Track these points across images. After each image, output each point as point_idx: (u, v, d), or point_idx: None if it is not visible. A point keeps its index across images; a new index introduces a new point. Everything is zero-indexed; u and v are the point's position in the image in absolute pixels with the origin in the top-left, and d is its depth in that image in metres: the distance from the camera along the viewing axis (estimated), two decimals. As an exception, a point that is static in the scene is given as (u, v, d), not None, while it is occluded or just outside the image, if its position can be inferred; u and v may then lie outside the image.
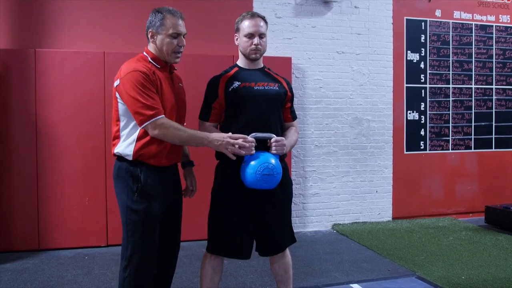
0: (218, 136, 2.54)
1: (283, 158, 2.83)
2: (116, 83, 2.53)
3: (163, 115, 2.47)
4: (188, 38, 5.16)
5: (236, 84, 2.77)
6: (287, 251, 3.00)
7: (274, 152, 2.67)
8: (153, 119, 2.43)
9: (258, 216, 2.79)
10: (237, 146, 2.53)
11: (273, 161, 2.62)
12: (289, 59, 5.56)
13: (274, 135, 2.71)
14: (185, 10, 5.21)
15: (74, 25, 5.08)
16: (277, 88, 2.85)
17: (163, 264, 2.76)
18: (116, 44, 5.06)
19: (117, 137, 2.59)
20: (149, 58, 2.60)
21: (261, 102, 2.76)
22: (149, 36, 2.62)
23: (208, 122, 2.83)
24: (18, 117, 4.73)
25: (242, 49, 2.85)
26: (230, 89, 2.76)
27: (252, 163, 2.60)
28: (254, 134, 2.66)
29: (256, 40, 2.78)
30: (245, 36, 2.80)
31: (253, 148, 2.61)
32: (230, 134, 2.58)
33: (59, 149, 4.83)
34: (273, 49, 5.57)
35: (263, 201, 2.77)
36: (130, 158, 2.53)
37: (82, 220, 4.87)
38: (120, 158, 2.58)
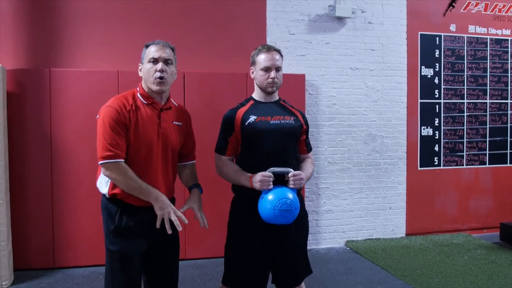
0: (165, 203, 2.43)
1: (299, 191, 2.82)
2: (97, 116, 2.53)
3: (120, 159, 2.43)
4: (201, 57, 5.28)
5: (252, 118, 2.76)
6: (303, 283, 2.99)
7: (292, 186, 2.66)
8: (106, 161, 2.41)
9: (275, 250, 2.77)
10: (173, 219, 2.42)
11: (291, 196, 2.61)
12: (303, 76, 5.55)
13: (292, 170, 2.70)
14: (197, 29, 5.33)
15: (88, 44, 5.11)
16: (292, 122, 2.84)
17: None
18: (130, 63, 5.05)
19: (99, 170, 2.57)
20: (138, 94, 2.57)
21: (277, 136, 2.76)
22: (139, 71, 2.63)
23: (224, 156, 2.83)
24: (33, 136, 4.77)
25: (258, 83, 2.84)
26: (246, 123, 2.75)
27: (270, 198, 2.59)
28: (271, 169, 2.65)
29: (273, 73, 2.78)
30: (262, 69, 2.79)
31: (271, 183, 2.62)
32: (174, 208, 2.45)
33: (74, 167, 4.86)
34: (287, 66, 5.56)
35: (280, 236, 2.75)
36: (107, 196, 2.53)
37: (97, 238, 4.87)
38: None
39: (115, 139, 2.42)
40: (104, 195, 2.57)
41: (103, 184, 2.55)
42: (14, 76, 4.70)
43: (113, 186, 2.49)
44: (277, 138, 2.76)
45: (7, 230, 4.33)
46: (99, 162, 2.44)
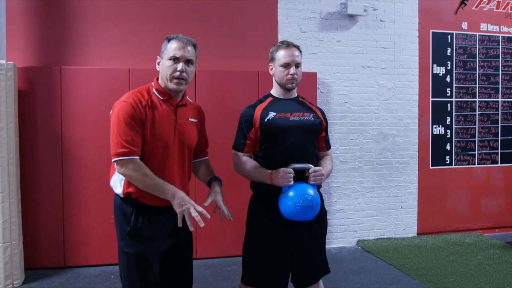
0: (184, 199, 2.30)
1: (319, 187, 2.78)
2: (111, 112, 2.42)
3: (135, 156, 2.31)
4: (212, 54, 5.24)
5: (272, 114, 2.73)
6: (320, 281, 2.94)
7: (312, 182, 2.63)
8: (121, 158, 2.30)
9: (293, 248, 2.74)
10: (194, 215, 2.29)
11: (311, 192, 2.58)
12: (315, 74, 5.51)
13: (312, 166, 2.66)
14: (209, 26, 5.30)
15: (99, 42, 5.08)
16: (312, 118, 2.80)
17: None
18: (141, 61, 5.04)
19: (113, 169, 2.47)
20: (154, 89, 2.45)
21: (297, 132, 2.72)
22: (156, 64, 2.52)
23: (242, 153, 2.79)
24: (43, 134, 4.74)
25: (277, 79, 2.81)
26: (265, 120, 2.71)
27: (291, 194, 2.56)
28: (292, 165, 2.61)
29: (292, 69, 2.74)
30: (281, 65, 2.75)
31: (292, 179, 2.58)
32: (194, 203, 2.31)
33: (85, 166, 4.83)
34: (298, 64, 5.51)
35: (300, 233, 2.72)
36: (121, 195, 2.41)
37: (107, 238, 4.85)
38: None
39: (130, 135, 2.30)
40: (118, 195, 2.45)
41: (117, 183, 2.43)
42: (25, 74, 4.68)
43: (127, 184, 2.38)
44: (297, 134, 2.72)
45: (18, 229, 4.31)
46: (113, 160, 2.33)
